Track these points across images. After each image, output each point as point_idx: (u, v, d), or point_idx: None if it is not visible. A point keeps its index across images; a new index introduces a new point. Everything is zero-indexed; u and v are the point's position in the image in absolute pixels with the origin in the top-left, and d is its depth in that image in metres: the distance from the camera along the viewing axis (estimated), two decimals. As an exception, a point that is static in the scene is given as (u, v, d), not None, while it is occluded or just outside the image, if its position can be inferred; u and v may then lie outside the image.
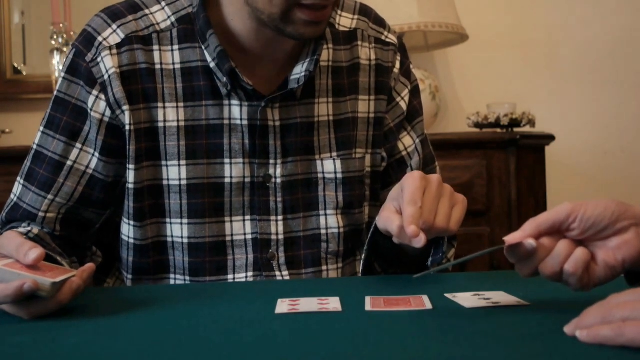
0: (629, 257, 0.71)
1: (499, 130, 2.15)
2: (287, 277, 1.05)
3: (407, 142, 1.15)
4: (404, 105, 1.14)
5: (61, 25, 2.29)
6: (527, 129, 2.17)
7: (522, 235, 0.72)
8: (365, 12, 1.14)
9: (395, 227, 0.84)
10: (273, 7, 0.94)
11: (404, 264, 1.02)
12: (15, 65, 2.48)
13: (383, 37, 1.13)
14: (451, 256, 1.12)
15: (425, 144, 1.18)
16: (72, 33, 2.29)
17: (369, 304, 0.78)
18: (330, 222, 1.07)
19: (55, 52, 2.28)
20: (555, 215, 0.72)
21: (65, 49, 2.27)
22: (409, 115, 1.15)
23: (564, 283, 0.73)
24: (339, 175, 1.07)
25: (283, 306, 0.78)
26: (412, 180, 0.86)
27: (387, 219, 0.86)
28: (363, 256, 1.01)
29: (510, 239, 0.72)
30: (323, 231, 1.07)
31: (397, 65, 1.13)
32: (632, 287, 0.71)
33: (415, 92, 1.17)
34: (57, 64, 2.27)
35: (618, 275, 0.72)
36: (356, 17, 1.13)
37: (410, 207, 0.83)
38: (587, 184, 2.55)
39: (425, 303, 0.78)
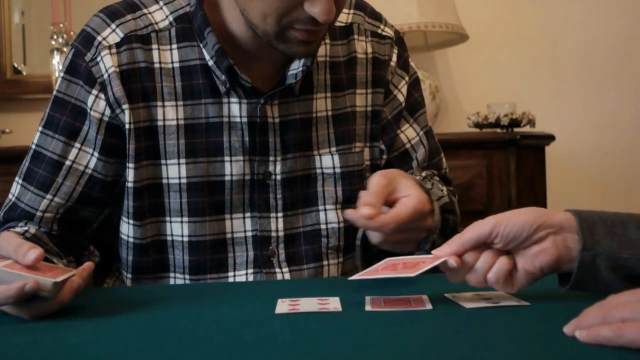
0: (545, 264, 0.76)
1: (499, 130, 2.15)
2: (288, 274, 1.05)
3: (410, 134, 1.15)
4: (401, 97, 1.14)
5: (61, 25, 2.29)
6: (527, 129, 2.17)
7: (448, 251, 0.78)
8: (361, 6, 1.14)
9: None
10: (266, 25, 0.94)
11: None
12: (15, 65, 2.48)
13: (379, 31, 1.13)
14: None
15: (430, 135, 1.18)
16: (72, 33, 2.29)
17: (369, 304, 0.79)
18: (330, 217, 1.07)
19: (55, 52, 2.28)
20: (478, 232, 0.77)
21: (65, 49, 2.27)
22: (410, 107, 1.16)
23: None
24: (338, 170, 1.08)
25: (283, 306, 0.78)
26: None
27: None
28: (359, 262, 1.04)
29: (438, 253, 0.78)
30: (323, 226, 1.07)
31: (394, 58, 1.14)
32: (562, 287, 0.77)
33: (415, 84, 1.17)
34: (57, 64, 2.27)
35: (538, 279, 0.78)
36: (352, 11, 1.13)
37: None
38: (587, 184, 2.55)
39: (425, 303, 0.78)
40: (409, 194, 0.90)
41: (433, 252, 0.79)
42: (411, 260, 0.80)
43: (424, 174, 1.16)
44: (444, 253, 0.78)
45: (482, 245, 0.78)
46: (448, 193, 1.10)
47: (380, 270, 0.79)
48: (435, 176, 1.17)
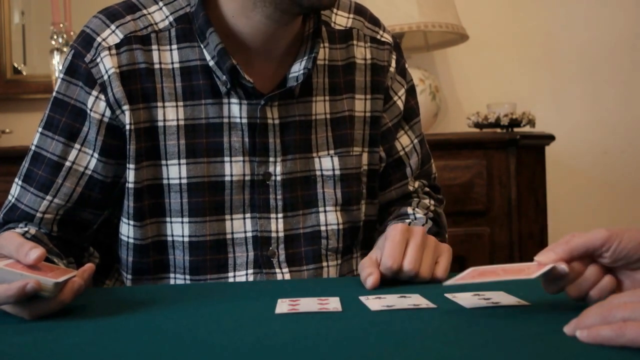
0: None
1: (499, 130, 2.15)
2: (287, 275, 1.05)
3: (405, 141, 1.17)
4: (400, 105, 1.15)
5: (61, 25, 2.29)
6: (527, 129, 2.17)
7: (555, 258, 0.72)
8: (361, 11, 1.15)
9: (364, 278, 0.90)
10: None
11: None
12: (15, 65, 2.48)
13: (378, 37, 1.14)
14: None
15: (423, 143, 1.21)
16: (72, 33, 2.29)
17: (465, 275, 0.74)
18: (329, 218, 1.08)
19: (55, 52, 2.28)
20: (589, 242, 0.71)
21: (65, 49, 2.27)
22: (406, 114, 1.17)
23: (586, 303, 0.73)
24: (337, 172, 1.08)
25: (283, 306, 0.78)
26: (394, 233, 0.92)
27: (361, 268, 0.92)
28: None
29: (543, 259, 0.72)
30: (323, 228, 1.07)
31: (393, 64, 1.14)
32: None
33: (412, 92, 1.19)
34: (57, 64, 2.27)
35: None
36: (352, 16, 1.13)
37: (387, 261, 0.90)
38: (587, 184, 2.55)
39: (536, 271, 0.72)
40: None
41: (536, 258, 0.73)
42: (512, 267, 0.75)
43: (416, 184, 1.19)
44: (549, 259, 0.71)
45: (586, 257, 0.72)
46: (434, 208, 1.16)
47: (476, 275, 0.74)
48: (425, 187, 1.21)
